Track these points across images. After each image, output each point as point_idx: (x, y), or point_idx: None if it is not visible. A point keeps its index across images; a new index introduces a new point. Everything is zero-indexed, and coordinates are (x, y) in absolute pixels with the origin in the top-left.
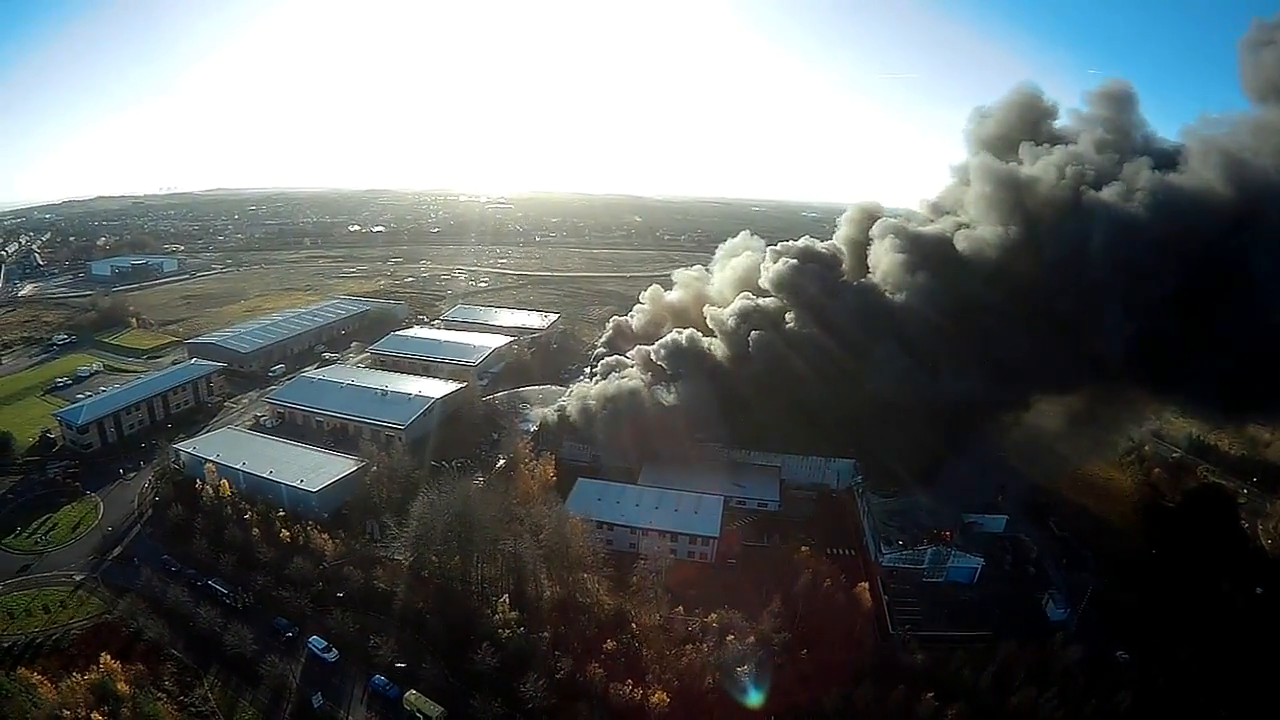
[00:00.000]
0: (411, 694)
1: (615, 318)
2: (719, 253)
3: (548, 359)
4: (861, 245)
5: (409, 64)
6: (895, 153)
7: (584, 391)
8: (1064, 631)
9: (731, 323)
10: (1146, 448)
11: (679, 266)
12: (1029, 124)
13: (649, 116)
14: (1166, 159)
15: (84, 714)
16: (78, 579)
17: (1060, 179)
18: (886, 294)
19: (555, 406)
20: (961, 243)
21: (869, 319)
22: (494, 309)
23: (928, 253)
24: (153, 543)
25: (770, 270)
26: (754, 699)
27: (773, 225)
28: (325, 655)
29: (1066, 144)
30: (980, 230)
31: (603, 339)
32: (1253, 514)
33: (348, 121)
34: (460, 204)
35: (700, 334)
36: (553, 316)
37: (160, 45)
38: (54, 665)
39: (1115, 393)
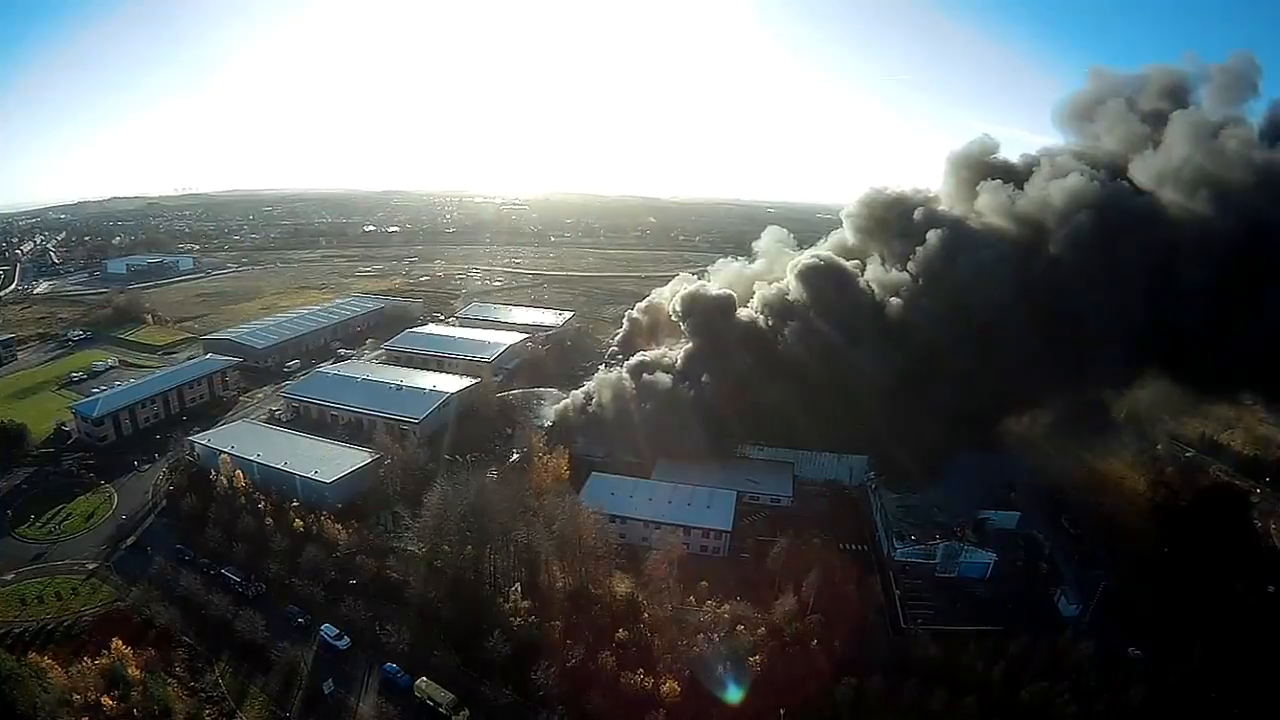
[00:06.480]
0: (422, 681)
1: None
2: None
3: (563, 356)
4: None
5: (424, 65)
6: (901, 150)
7: (600, 387)
8: (1076, 628)
9: (760, 315)
10: (1159, 447)
11: (695, 267)
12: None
13: (662, 119)
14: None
15: (94, 698)
16: (90, 567)
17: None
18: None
19: (570, 401)
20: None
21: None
22: (509, 307)
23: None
24: (166, 532)
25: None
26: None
27: (787, 226)
28: (337, 643)
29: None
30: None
31: (619, 334)
32: (1265, 514)
33: (363, 123)
34: (475, 205)
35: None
36: (567, 314)
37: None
38: (65, 651)
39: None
